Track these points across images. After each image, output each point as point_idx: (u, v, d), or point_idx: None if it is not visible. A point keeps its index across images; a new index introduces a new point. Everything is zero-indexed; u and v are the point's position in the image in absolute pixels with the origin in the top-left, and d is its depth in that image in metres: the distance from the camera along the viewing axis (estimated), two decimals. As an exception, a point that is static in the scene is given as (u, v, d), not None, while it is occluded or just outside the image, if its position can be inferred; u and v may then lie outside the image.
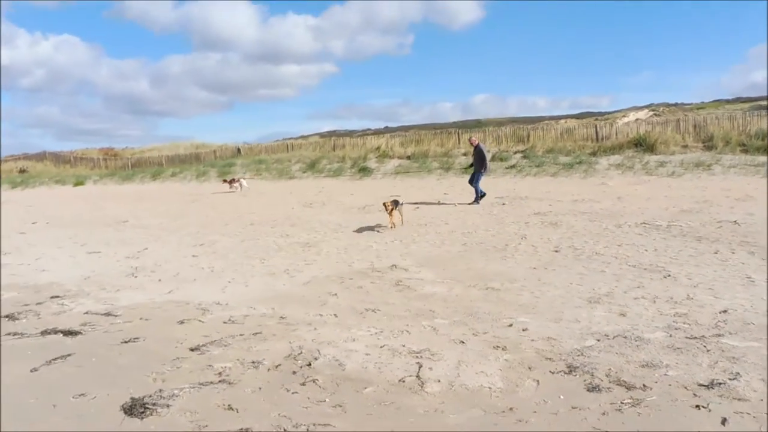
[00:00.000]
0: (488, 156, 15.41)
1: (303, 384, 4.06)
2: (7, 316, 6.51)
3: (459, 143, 25.19)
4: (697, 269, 7.08)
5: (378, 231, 11.25)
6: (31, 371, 4.67)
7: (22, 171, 38.08)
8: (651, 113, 47.13)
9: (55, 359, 4.90)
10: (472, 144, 15.79)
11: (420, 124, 70.75)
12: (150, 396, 3.95)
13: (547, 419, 3.42)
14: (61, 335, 5.64)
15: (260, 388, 4.04)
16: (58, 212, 19.76)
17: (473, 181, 15.04)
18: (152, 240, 12.02)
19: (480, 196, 14.76)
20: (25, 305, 7.05)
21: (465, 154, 23.21)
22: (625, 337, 4.78)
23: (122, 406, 3.84)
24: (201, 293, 7.17)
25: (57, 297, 7.39)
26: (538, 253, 8.56)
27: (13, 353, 5.19)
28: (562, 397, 3.72)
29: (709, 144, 19.98)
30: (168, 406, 3.79)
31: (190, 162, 32.34)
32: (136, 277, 8.43)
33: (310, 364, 4.43)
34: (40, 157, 40.16)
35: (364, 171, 23.60)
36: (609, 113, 56.11)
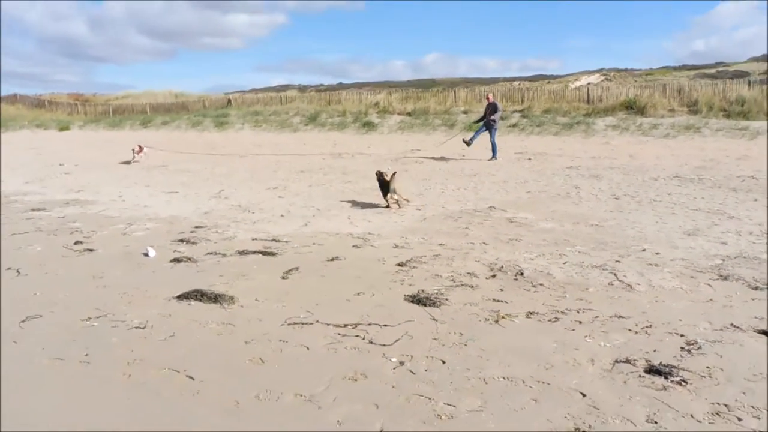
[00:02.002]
0: (498, 114, 16.19)
1: (534, 286, 5.17)
2: (183, 240, 7.30)
3: (456, 101, 26.19)
4: (752, 212, 8.46)
5: (436, 181, 12.27)
6: (282, 278, 5.59)
7: (-10, 114, 36.69)
8: (602, 77, 48.92)
9: (289, 271, 5.81)
10: (488, 100, 16.81)
11: (374, 81, 71.54)
12: (421, 293, 4.97)
13: (744, 305, 4.64)
14: (260, 255, 6.51)
15: (502, 289, 5.12)
16: (73, 155, 19.74)
17: (491, 137, 16.09)
18: (216, 184, 12.68)
19: (495, 151, 15.80)
20: (181, 233, 7.81)
21: (465, 112, 24.29)
22: (744, 257, 6.06)
23: (405, 299, 4.86)
24: (336, 226, 8.08)
25: (200, 227, 8.15)
26: (601, 200, 9.81)
27: (238, 267, 6.05)
28: (738, 293, 4.96)
29: (693, 109, 21.75)
30: (446, 299, 4.83)
31: (177, 111, 32.09)
32: (252, 212, 9.23)
33: (522, 273, 5.52)
34: (12, 99, 38.75)
35: (368, 125, 24.36)
36: (561, 76, 58.05)
